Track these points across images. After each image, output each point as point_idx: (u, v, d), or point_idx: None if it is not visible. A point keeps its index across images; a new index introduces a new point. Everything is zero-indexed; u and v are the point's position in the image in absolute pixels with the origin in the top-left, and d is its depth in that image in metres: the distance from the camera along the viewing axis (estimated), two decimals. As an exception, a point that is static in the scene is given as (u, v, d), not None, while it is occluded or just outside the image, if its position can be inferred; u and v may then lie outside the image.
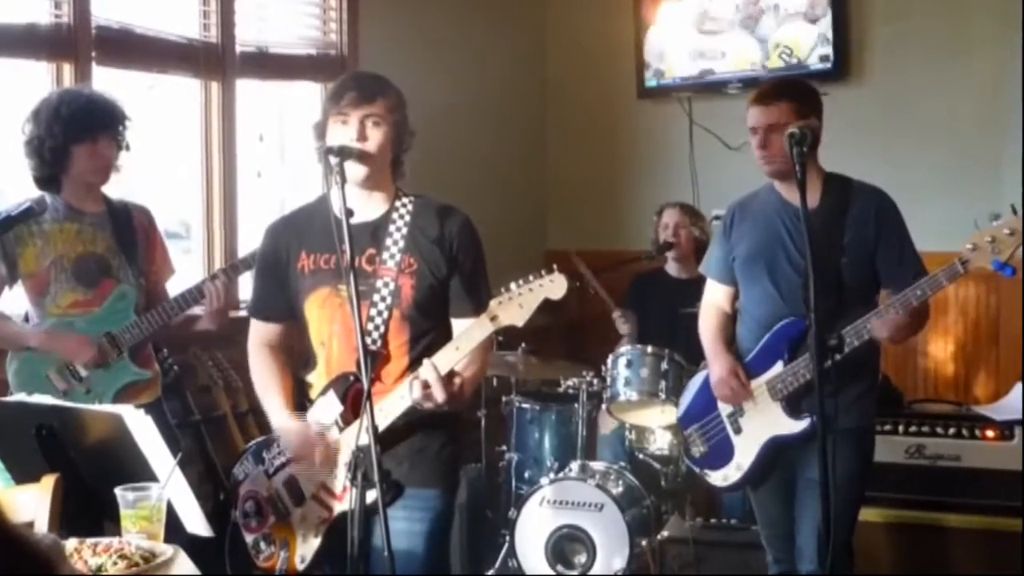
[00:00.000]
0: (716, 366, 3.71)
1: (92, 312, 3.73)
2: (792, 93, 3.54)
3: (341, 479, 2.89)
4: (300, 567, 3.02)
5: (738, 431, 3.68)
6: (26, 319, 3.79)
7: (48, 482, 2.59)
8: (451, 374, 2.83)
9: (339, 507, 2.94)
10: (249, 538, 3.11)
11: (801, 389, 3.49)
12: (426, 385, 2.79)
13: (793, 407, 3.53)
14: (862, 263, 3.48)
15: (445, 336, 2.95)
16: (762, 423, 3.60)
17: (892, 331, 3.38)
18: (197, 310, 3.89)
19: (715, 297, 3.85)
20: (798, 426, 3.51)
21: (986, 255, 3.17)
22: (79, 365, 3.66)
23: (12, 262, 3.68)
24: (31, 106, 3.72)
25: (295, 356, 3.15)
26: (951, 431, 4.54)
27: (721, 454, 3.74)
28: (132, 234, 3.84)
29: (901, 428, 4.55)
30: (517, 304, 2.80)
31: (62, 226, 3.71)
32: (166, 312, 3.78)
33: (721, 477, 3.76)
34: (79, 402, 3.51)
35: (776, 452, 3.59)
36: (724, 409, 3.72)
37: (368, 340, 2.89)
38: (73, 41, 4.35)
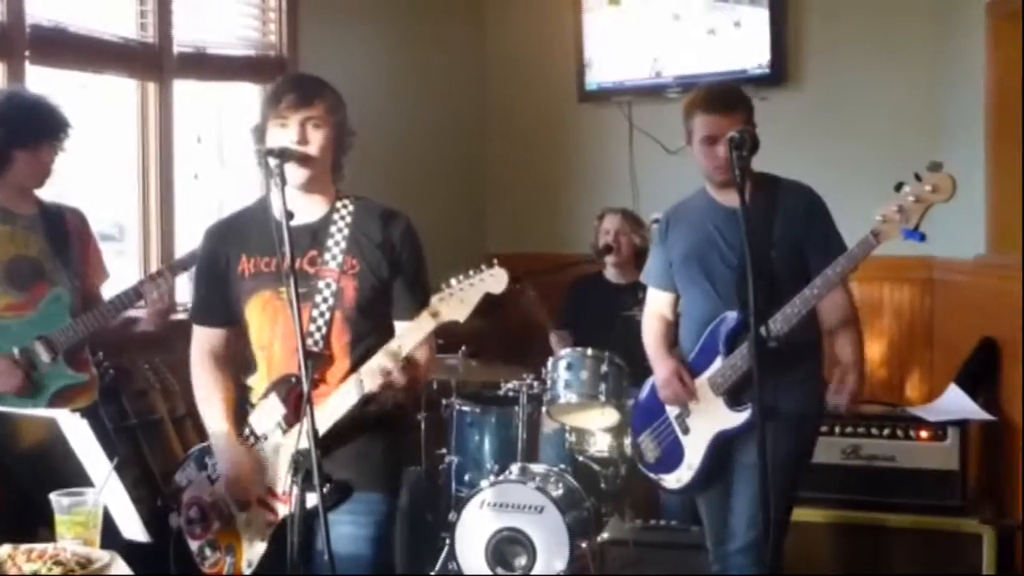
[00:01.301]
0: (659, 369, 3.76)
1: (26, 315, 3.67)
2: (745, 101, 3.61)
3: (285, 482, 2.86)
4: (247, 572, 2.99)
5: (686, 431, 3.71)
6: None
7: (-19, 488, 2.56)
8: (409, 359, 2.82)
9: (284, 510, 2.91)
10: (194, 545, 3.07)
11: (740, 381, 3.53)
12: (387, 373, 2.78)
13: (734, 400, 3.58)
14: (792, 257, 3.55)
15: (387, 337, 2.92)
16: (707, 420, 3.64)
17: (849, 399, 3.59)
18: (135, 312, 3.84)
19: (656, 305, 3.90)
20: (740, 418, 3.55)
21: (895, 225, 3.23)
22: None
23: None
24: None
25: (238, 362, 3.12)
26: (886, 432, 4.60)
27: (673, 457, 3.76)
28: (66, 237, 3.79)
29: (837, 429, 4.60)
30: (459, 299, 2.80)
31: None
32: (102, 315, 3.74)
33: (675, 480, 3.78)
34: (13, 406, 3.46)
35: (723, 447, 3.63)
36: (672, 411, 3.75)
37: (310, 341, 2.88)
38: (7, 40, 4.29)
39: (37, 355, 3.65)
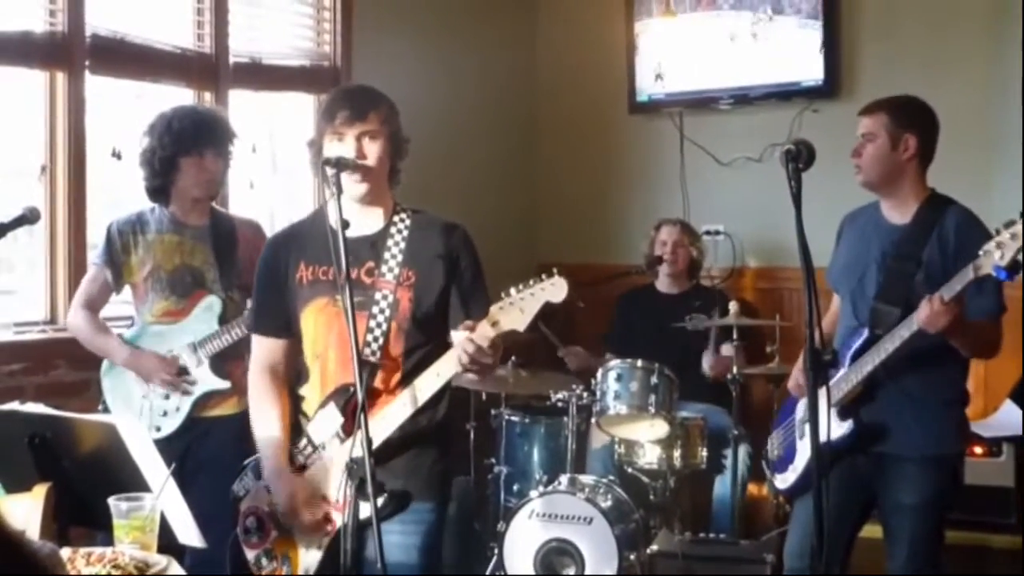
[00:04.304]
0: (798, 361, 3.76)
1: (179, 322, 3.84)
2: (888, 106, 3.68)
3: (340, 491, 2.87)
4: None
5: (802, 436, 3.70)
6: (132, 324, 3.94)
7: (40, 491, 2.58)
8: (492, 343, 2.80)
9: (341, 519, 2.90)
10: (251, 554, 3.07)
11: (848, 397, 3.50)
12: (471, 353, 2.77)
13: (841, 413, 3.53)
14: (937, 281, 3.41)
15: (443, 347, 2.95)
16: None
17: (927, 321, 3.28)
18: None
19: (832, 304, 3.87)
20: (841, 429, 3.48)
21: (991, 258, 3.13)
22: (155, 384, 3.78)
23: (119, 270, 3.85)
24: (149, 119, 3.88)
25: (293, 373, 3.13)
26: (940, 447, 4.55)
27: (788, 457, 3.77)
28: (233, 248, 3.92)
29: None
30: (518, 309, 2.78)
31: (163, 237, 3.85)
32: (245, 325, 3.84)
33: (782, 480, 3.79)
34: (158, 408, 3.74)
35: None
36: (798, 414, 3.75)
37: (367, 351, 2.89)
38: (67, 49, 4.36)
39: (184, 360, 3.80)
